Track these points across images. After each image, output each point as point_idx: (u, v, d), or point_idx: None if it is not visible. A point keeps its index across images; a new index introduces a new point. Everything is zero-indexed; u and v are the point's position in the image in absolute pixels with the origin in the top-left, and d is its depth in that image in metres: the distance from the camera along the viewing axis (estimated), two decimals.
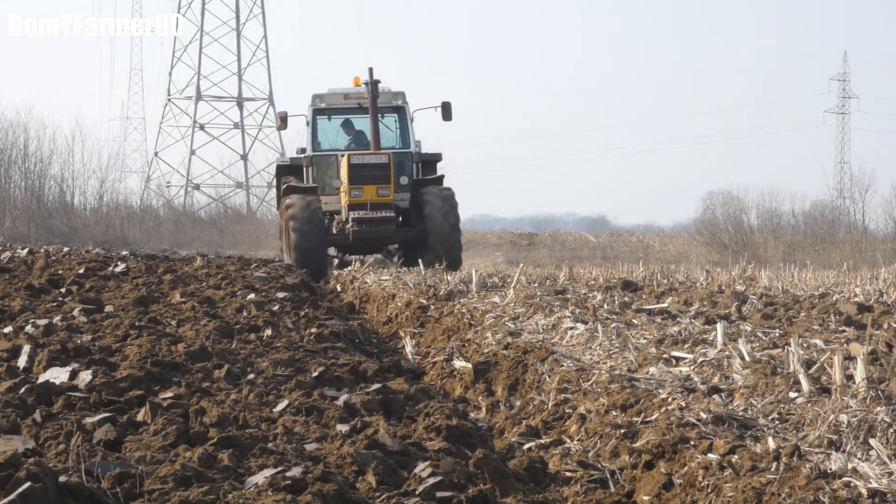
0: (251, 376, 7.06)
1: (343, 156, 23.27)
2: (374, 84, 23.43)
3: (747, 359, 6.82)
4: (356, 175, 22.71)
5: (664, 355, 7.46)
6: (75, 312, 9.55)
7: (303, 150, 24.58)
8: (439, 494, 4.56)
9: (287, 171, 24.92)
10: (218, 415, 5.47)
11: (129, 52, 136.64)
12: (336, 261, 24.73)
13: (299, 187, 23.60)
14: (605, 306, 10.37)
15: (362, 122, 24.63)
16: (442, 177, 24.77)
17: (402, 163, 23.99)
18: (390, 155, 23.03)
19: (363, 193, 22.70)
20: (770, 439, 5.18)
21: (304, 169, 24.30)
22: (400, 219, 23.68)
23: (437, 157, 25.49)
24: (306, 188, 23.59)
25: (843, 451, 4.98)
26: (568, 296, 11.43)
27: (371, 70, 23.68)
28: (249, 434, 5.22)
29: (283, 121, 24.29)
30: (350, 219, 22.82)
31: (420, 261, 21.75)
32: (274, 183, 76.97)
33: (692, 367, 7.02)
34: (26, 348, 7.19)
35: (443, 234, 22.81)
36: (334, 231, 23.69)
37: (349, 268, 21.98)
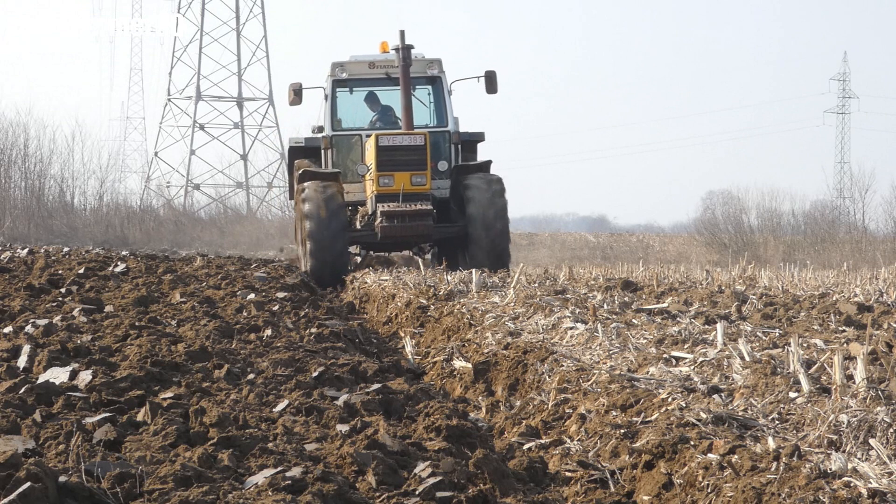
0: (251, 376, 7.06)
1: (370, 136, 19.69)
2: (406, 50, 19.48)
3: (747, 359, 6.82)
4: (386, 159, 19.04)
5: (664, 355, 7.45)
6: (75, 312, 9.55)
7: (320, 129, 20.85)
8: (439, 494, 4.56)
9: (301, 153, 21.23)
10: (218, 415, 5.47)
11: (129, 52, 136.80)
12: (359, 259, 21.72)
13: (318, 173, 19.99)
14: (605, 306, 10.37)
15: (390, 96, 21.02)
16: (488, 162, 20.84)
17: (439, 144, 20.39)
18: (426, 135, 19.29)
19: (394, 182, 19.06)
20: (770, 439, 5.18)
21: (322, 151, 20.63)
22: (436, 212, 19.87)
23: (478, 137, 21.58)
24: (326, 174, 19.95)
25: (843, 451, 4.98)
26: (568, 296, 11.43)
27: (402, 33, 19.65)
28: (249, 434, 5.22)
29: (296, 94, 20.38)
30: (379, 213, 19.15)
31: (452, 261, 19.17)
32: (276, 175, 75.60)
33: (692, 367, 7.02)
34: (26, 348, 7.19)
35: (489, 230, 19.40)
36: (358, 226, 20.22)
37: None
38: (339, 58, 20.93)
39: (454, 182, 20.19)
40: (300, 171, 20.20)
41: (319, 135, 20.76)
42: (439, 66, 20.83)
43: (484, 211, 19.37)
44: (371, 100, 21.26)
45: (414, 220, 19.11)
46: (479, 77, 20.48)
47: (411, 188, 19.11)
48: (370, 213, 19.75)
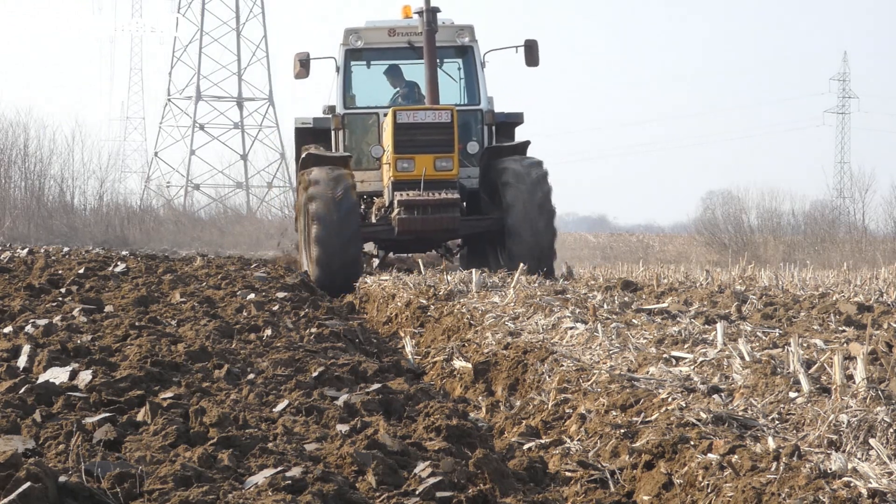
0: (251, 376, 7.06)
1: (387, 113, 16.74)
2: (431, 13, 16.59)
3: (747, 359, 6.82)
4: (405, 140, 16.20)
5: (664, 355, 7.45)
6: (75, 312, 9.54)
7: (331, 109, 17.92)
8: (439, 494, 4.56)
9: (310, 136, 18.09)
10: (218, 415, 5.47)
11: (129, 52, 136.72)
12: (376, 261, 18.85)
13: (325, 157, 16.98)
14: (605, 306, 10.37)
15: (414, 71, 18.03)
16: (525, 143, 17.61)
17: (470, 124, 17.48)
18: (453, 110, 16.35)
19: (414, 166, 16.22)
20: (770, 439, 5.18)
21: (333, 133, 17.56)
22: (465, 203, 17.05)
23: (516, 119, 18.45)
24: (335, 158, 16.95)
25: (843, 451, 4.98)
26: (568, 296, 11.43)
27: None
28: (249, 434, 5.22)
29: (303, 65, 17.52)
30: (396, 203, 16.31)
31: (488, 261, 16.55)
32: (276, 175, 75.40)
33: (692, 367, 7.02)
34: (26, 348, 7.19)
35: (529, 225, 16.38)
36: (373, 220, 17.24)
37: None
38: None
39: (485, 167, 17.19)
40: (304, 155, 17.25)
41: (330, 115, 17.85)
42: (471, 34, 17.87)
43: (524, 201, 16.30)
44: (393, 74, 18.29)
45: (437, 212, 16.11)
46: (517, 47, 17.45)
47: (434, 174, 16.22)
48: (387, 204, 16.96)
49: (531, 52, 17.43)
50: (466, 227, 16.81)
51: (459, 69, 18.26)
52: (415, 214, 16.16)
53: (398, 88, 18.21)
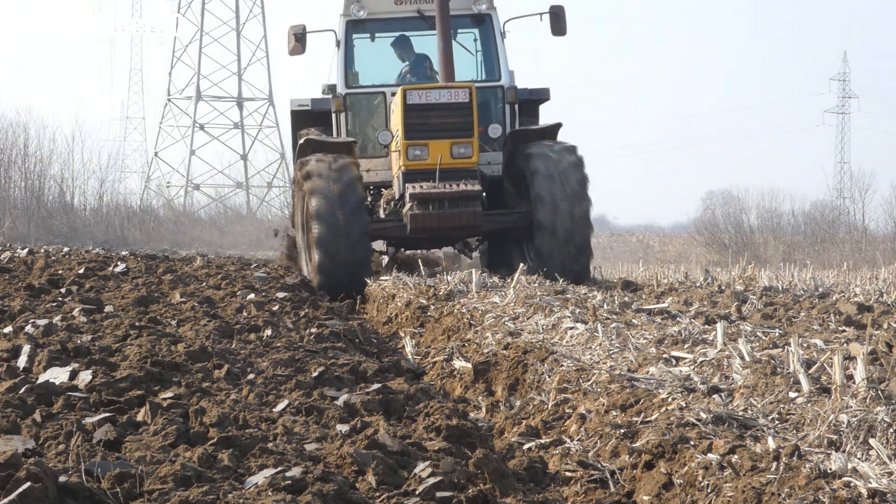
0: (251, 376, 7.06)
1: (395, 93, 14.70)
2: None
3: (747, 359, 6.82)
4: (417, 123, 14.21)
5: (664, 355, 7.45)
6: (75, 312, 9.54)
7: (331, 89, 15.86)
8: (439, 494, 4.56)
9: (308, 119, 16.23)
10: (218, 415, 5.47)
11: (129, 52, 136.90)
12: (386, 259, 17.18)
13: (326, 143, 14.97)
14: (605, 306, 10.37)
15: (426, 43, 15.97)
16: (556, 126, 15.38)
17: (490, 104, 15.55)
18: (472, 88, 14.22)
19: (428, 154, 14.18)
20: (770, 439, 5.18)
21: (334, 116, 15.63)
22: (486, 195, 14.85)
23: (541, 96, 16.41)
24: (337, 144, 14.91)
25: (843, 451, 4.98)
26: (568, 296, 11.43)
27: None
28: (249, 434, 5.23)
29: (298, 40, 15.33)
30: (407, 196, 14.24)
31: (517, 262, 14.27)
32: (276, 175, 75.36)
33: (692, 367, 7.02)
34: (26, 348, 7.19)
35: (562, 221, 14.30)
36: (382, 214, 15.40)
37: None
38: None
39: (509, 153, 15.10)
40: (302, 140, 15.26)
41: (330, 95, 15.81)
42: (489, 1, 15.90)
43: (554, 191, 14.28)
44: (401, 45, 16.22)
45: (455, 206, 14.09)
46: (541, 14, 15.41)
47: (452, 162, 14.19)
48: (397, 197, 14.99)
49: (557, 20, 15.32)
50: (489, 222, 14.68)
51: (476, 40, 16.37)
52: (429, 209, 14.08)
53: (406, 63, 16.20)
